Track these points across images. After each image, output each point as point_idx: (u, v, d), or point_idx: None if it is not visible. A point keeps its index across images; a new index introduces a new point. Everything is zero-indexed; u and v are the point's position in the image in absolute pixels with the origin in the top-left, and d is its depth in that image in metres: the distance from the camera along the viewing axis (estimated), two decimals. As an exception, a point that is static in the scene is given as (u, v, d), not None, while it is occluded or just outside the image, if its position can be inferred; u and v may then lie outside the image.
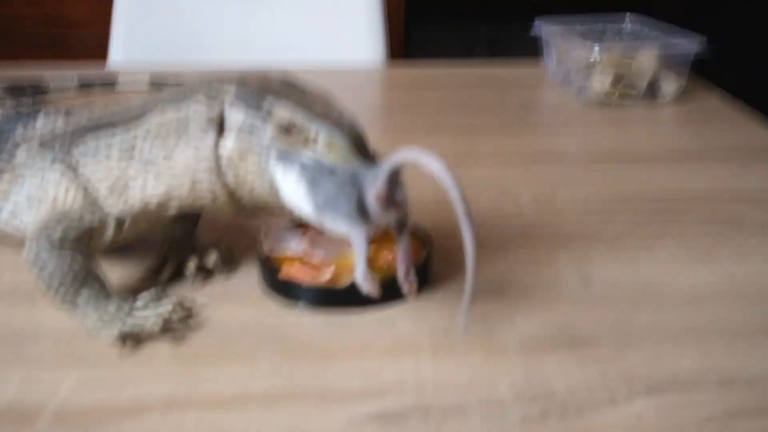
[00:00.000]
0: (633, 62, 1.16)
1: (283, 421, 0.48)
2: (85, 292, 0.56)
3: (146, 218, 0.60)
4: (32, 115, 0.64)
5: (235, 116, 0.53)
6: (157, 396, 0.50)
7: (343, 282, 0.60)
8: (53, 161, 0.60)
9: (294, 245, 0.65)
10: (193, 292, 0.63)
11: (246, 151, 0.53)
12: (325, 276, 0.61)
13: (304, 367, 0.54)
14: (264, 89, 0.54)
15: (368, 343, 0.56)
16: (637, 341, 0.57)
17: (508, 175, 0.89)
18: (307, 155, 0.52)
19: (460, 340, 0.57)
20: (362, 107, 1.14)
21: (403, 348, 0.56)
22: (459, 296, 0.62)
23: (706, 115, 1.12)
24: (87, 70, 1.25)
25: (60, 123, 0.62)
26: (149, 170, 0.57)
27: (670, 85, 1.18)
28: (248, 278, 0.65)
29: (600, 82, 1.16)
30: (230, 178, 0.54)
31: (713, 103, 1.18)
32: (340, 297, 0.60)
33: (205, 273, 0.65)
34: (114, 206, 0.58)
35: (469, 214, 0.47)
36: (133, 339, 0.56)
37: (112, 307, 0.56)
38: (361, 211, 0.49)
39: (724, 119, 1.10)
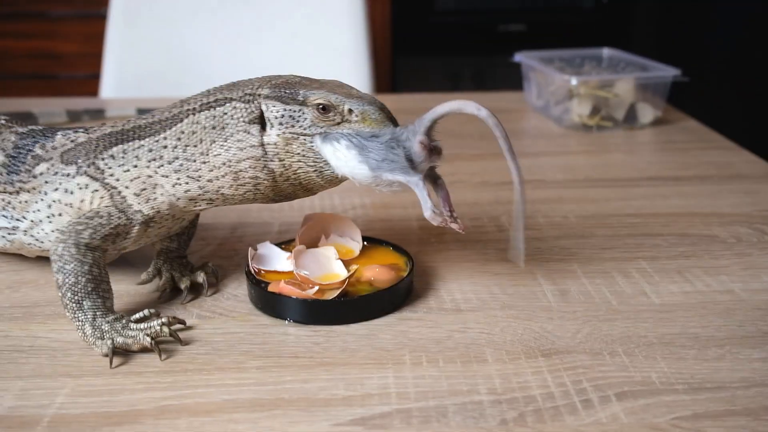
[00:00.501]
0: (611, 92, 1.20)
1: (270, 427, 0.50)
2: (89, 301, 0.59)
3: (171, 217, 0.65)
4: (48, 134, 0.68)
5: (274, 110, 0.60)
6: (149, 403, 0.52)
7: (327, 297, 0.63)
8: (78, 172, 0.64)
9: (280, 264, 0.68)
10: (183, 309, 0.65)
11: (290, 138, 0.60)
12: (310, 292, 0.63)
13: (290, 376, 0.56)
14: (291, 84, 0.61)
15: (352, 354, 0.59)
16: (610, 350, 0.59)
17: (490, 197, 0.92)
18: (346, 130, 0.59)
19: (520, 263, 0.66)
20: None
21: (386, 358, 0.58)
22: (439, 311, 0.65)
23: (682, 140, 1.16)
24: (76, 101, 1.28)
25: (81, 137, 0.66)
26: (181, 170, 0.62)
27: (647, 114, 1.22)
28: (236, 296, 0.67)
29: (579, 112, 1.19)
30: (276, 165, 0.61)
31: (688, 130, 1.21)
32: (326, 310, 0.63)
33: (195, 290, 0.68)
34: (142, 206, 0.63)
35: (513, 150, 0.58)
36: (122, 351, 0.58)
37: (106, 325, 0.58)
38: (410, 161, 0.58)
39: (698, 145, 1.14)
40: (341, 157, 0.59)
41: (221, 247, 0.78)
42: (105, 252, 0.62)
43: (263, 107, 0.61)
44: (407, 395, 0.54)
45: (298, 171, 0.61)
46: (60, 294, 0.59)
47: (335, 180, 0.62)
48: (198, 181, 0.62)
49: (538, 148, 1.14)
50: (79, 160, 0.64)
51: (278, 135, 0.60)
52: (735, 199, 0.91)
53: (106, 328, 0.58)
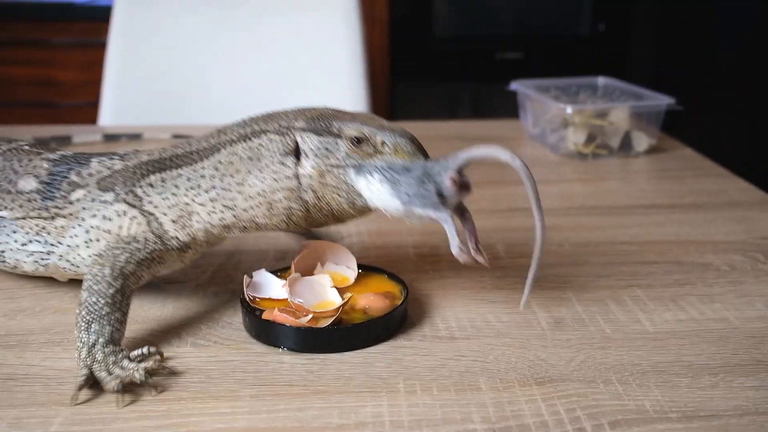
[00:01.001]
0: (606, 121, 1.21)
1: (264, 455, 0.50)
2: (97, 325, 0.59)
3: (205, 243, 0.67)
4: (82, 160, 0.69)
5: (309, 143, 0.62)
6: (143, 431, 0.53)
7: (321, 325, 0.63)
8: (116, 199, 0.66)
9: (275, 292, 0.68)
10: (177, 337, 0.65)
11: (325, 169, 0.62)
12: (304, 320, 0.63)
13: (285, 404, 0.56)
14: (325, 116, 0.63)
15: (346, 382, 0.59)
16: (604, 378, 0.59)
17: (486, 224, 0.92)
18: (379, 162, 0.61)
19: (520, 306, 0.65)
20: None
21: (380, 386, 0.58)
22: (433, 339, 0.65)
23: (676, 168, 1.17)
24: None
25: (117, 164, 0.68)
26: (217, 199, 0.64)
27: (641, 142, 1.23)
28: (231, 324, 0.67)
29: (574, 140, 1.20)
30: (310, 195, 0.63)
31: (682, 158, 1.22)
32: (319, 337, 0.63)
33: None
34: (179, 233, 0.65)
35: (540, 202, 0.60)
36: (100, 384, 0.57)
37: (100, 354, 0.58)
38: (440, 196, 0.59)
39: (692, 172, 1.15)
40: (375, 190, 0.60)
41: (217, 274, 0.78)
42: (139, 279, 0.63)
43: (298, 139, 0.63)
44: (401, 424, 0.54)
45: (330, 202, 0.63)
46: (77, 311, 0.60)
47: (366, 210, 0.64)
48: (233, 210, 0.64)
49: (533, 176, 1.14)
50: (117, 187, 0.66)
51: (313, 167, 0.62)
52: (729, 227, 0.91)
53: (99, 357, 0.58)
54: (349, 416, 0.54)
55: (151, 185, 0.66)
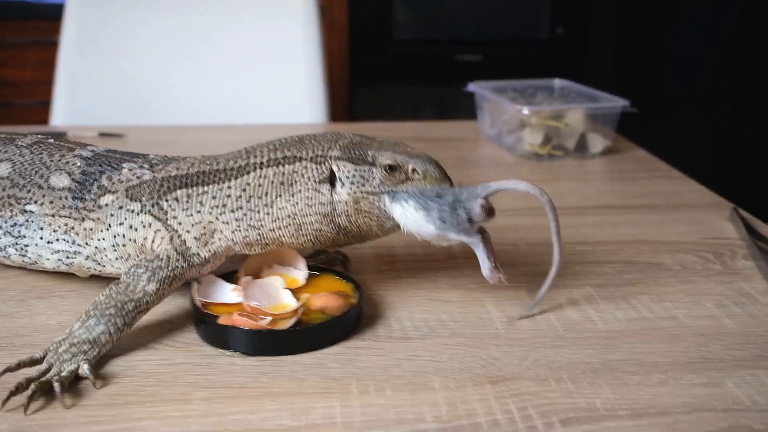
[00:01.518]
0: (562, 122, 1.22)
1: (215, 458, 0.50)
2: (94, 322, 0.59)
3: (225, 258, 0.68)
4: (115, 164, 0.69)
5: (346, 171, 0.65)
6: (90, 437, 0.52)
7: (281, 327, 0.62)
8: (142, 210, 0.67)
9: (225, 296, 0.67)
10: (128, 341, 0.64)
11: (360, 197, 0.65)
12: (262, 323, 0.62)
13: (236, 407, 0.55)
14: (358, 145, 0.66)
15: (299, 384, 0.58)
16: (556, 377, 0.60)
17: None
18: (411, 188, 0.64)
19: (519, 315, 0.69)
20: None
21: (333, 388, 0.58)
22: (388, 339, 0.65)
23: (631, 170, 1.18)
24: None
25: (146, 175, 0.68)
26: (243, 219, 0.66)
27: (597, 143, 1.24)
28: (183, 328, 0.67)
29: (531, 141, 1.21)
30: (343, 220, 0.65)
31: (637, 159, 1.24)
32: (275, 340, 0.62)
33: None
34: (200, 250, 0.66)
35: (560, 233, 0.66)
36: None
37: (68, 354, 0.58)
38: (468, 220, 0.63)
39: (646, 174, 1.16)
40: (410, 216, 0.63)
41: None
42: (161, 297, 0.64)
43: (334, 168, 0.65)
44: (353, 425, 0.53)
45: (362, 225, 0.66)
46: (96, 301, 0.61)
47: (391, 232, 0.67)
48: (259, 229, 0.66)
49: (490, 176, 1.14)
50: (143, 198, 0.67)
51: (348, 194, 0.65)
52: (681, 228, 0.93)
53: (67, 357, 0.58)
54: (301, 418, 0.54)
55: (177, 200, 0.66)
